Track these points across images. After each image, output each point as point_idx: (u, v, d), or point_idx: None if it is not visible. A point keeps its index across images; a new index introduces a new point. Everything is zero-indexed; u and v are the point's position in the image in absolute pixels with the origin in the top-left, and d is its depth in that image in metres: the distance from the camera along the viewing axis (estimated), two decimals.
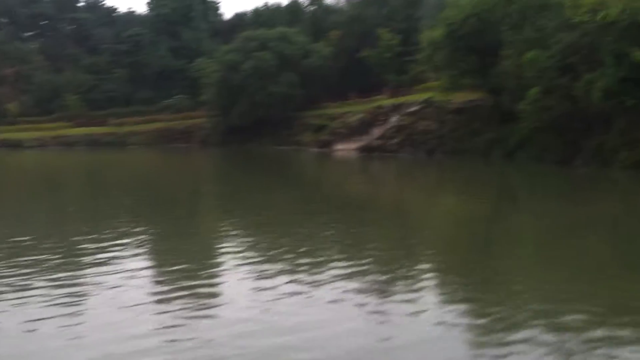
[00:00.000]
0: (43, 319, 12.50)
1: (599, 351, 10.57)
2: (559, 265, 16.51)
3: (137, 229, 23.26)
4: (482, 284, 15.04)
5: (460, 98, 60.66)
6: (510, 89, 50.25)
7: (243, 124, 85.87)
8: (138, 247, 20.06)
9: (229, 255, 18.26)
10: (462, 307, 13.18)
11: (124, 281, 15.16)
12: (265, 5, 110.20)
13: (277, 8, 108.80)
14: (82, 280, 15.59)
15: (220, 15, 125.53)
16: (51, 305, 13.36)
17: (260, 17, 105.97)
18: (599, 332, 11.36)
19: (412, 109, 66.53)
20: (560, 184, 38.39)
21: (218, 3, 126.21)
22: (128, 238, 21.27)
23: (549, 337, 11.15)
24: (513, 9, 52.26)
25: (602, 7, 41.03)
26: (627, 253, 18.33)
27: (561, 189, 35.84)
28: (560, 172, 42.12)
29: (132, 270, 16.30)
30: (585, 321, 11.98)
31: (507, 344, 11.01)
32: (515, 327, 11.85)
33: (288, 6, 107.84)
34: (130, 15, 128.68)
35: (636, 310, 12.75)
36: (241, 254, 18.22)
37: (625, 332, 11.38)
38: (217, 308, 13.29)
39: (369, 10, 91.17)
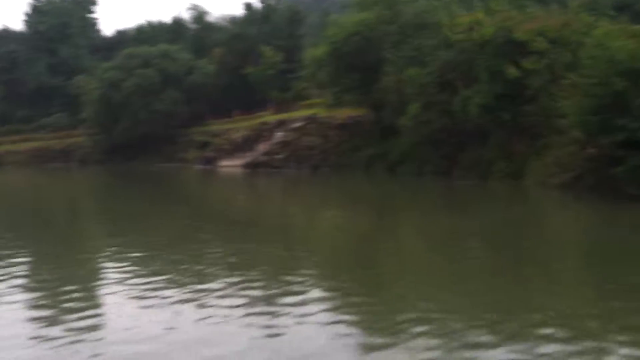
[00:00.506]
0: None
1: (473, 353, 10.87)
2: (442, 273, 16.88)
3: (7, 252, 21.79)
4: (367, 295, 15.05)
5: (343, 114, 61.45)
6: (392, 104, 51.25)
7: (126, 142, 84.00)
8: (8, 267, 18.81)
9: (111, 276, 17.32)
10: (349, 317, 13.22)
11: None
12: (148, 22, 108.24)
13: (159, 25, 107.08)
14: None
15: (100, 31, 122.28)
16: None
17: (143, 34, 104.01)
18: (481, 338, 11.64)
19: (296, 124, 66.81)
20: (440, 196, 39.30)
21: (97, 19, 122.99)
22: None
23: (433, 342, 11.38)
24: (393, 28, 53.42)
25: (478, 26, 42.50)
26: (508, 262, 18.78)
27: (441, 201, 36.65)
28: (440, 184, 43.10)
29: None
30: (465, 326, 12.29)
31: (393, 350, 11.10)
32: (399, 332, 12.02)
33: (171, 23, 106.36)
34: (6, 32, 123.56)
35: (517, 316, 13.02)
36: (122, 275, 17.20)
37: (497, 338, 11.66)
38: (97, 330, 12.64)
39: (251, 28, 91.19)
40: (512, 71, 39.44)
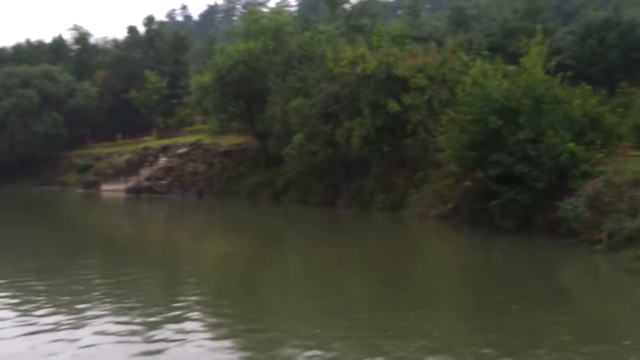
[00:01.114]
0: None
1: None
2: (327, 302, 16.92)
3: None
4: (250, 323, 14.86)
5: (228, 141, 61.08)
6: (277, 133, 51.32)
7: (3, 163, 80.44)
8: None
9: None
10: (230, 344, 13.20)
11: None
12: (27, 41, 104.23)
13: (39, 44, 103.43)
14: None
15: None
16: None
17: (22, 53, 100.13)
18: None
19: (181, 150, 65.93)
20: (323, 225, 39.43)
21: None
22: None
23: None
24: (278, 59, 53.66)
25: (361, 61, 43.23)
26: (390, 289, 18.99)
27: (324, 231, 36.77)
28: (323, 214, 43.33)
29: None
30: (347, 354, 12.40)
31: None
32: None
33: (51, 43, 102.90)
34: None
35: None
36: None
37: None
38: None
39: (136, 52, 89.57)
40: (393, 105, 40.28)
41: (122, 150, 74.32)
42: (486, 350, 12.74)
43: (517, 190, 29.30)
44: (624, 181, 26.03)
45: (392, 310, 16.09)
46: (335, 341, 13.24)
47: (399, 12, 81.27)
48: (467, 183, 32.78)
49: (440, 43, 48.05)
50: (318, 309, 16.36)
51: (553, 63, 33.11)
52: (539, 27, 37.18)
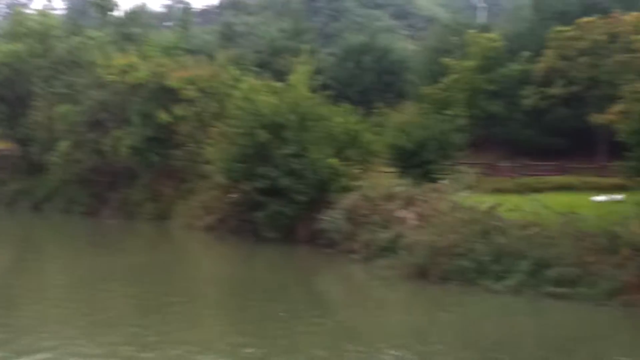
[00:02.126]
0: None
1: None
2: (90, 313, 16.23)
3: None
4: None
5: None
6: (40, 140, 48.31)
7: None
8: None
9: None
10: None
11: None
12: None
13: None
14: None
15: None
16: None
17: None
18: None
19: None
20: (88, 235, 37.80)
21: None
22: None
23: None
24: (45, 63, 50.66)
25: (132, 70, 42.01)
26: (155, 299, 18.58)
27: (89, 241, 35.28)
28: (88, 224, 41.44)
29: None
30: None
31: None
32: None
33: None
34: None
35: None
36: None
37: None
38: None
39: None
40: (163, 116, 39.48)
41: None
42: (249, 350, 13.02)
43: (281, 203, 29.92)
44: (378, 195, 27.43)
45: (154, 320, 15.72)
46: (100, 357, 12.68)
47: (169, 23, 79.96)
48: (234, 195, 32.85)
49: (210, 57, 47.91)
50: (83, 321, 15.55)
51: (317, 82, 34.23)
52: (304, 47, 38.32)
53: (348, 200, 27.41)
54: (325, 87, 36.91)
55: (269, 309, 17.38)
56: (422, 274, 21.39)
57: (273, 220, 30.15)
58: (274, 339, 14.22)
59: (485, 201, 24.14)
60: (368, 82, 57.21)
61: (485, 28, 54.57)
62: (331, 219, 27.40)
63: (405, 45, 68.69)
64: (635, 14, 42.26)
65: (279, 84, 35.32)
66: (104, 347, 13.46)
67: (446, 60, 46.93)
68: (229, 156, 32.03)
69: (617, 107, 36.68)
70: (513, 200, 23.84)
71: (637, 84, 36.21)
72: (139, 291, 20.10)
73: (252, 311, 17.23)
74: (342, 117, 32.91)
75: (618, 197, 27.05)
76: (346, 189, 29.18)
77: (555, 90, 42.65)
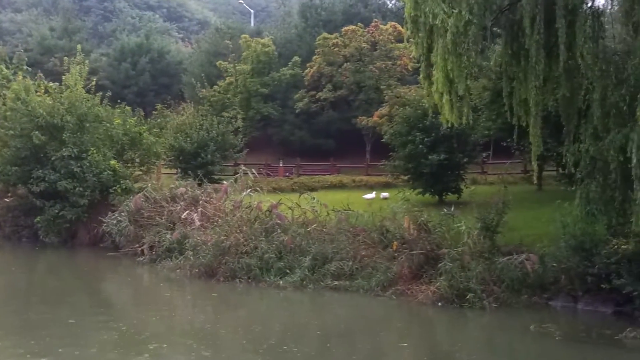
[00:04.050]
0: None
1: None
2: None
3: None
4: None
5: None
6: None
7: None
8: None
9: None
10: None
11: None
12: None
13: None
14: None
15: None
16: None
17: None
18: None
19: None
20: None
21: None
22: None
23: None
24: None
25: None
26: None
27: None
28: None
29: None
30: None
31: None
32: None
33: None
34: None
35: None
36: None
37: None
38: None
39: None
40: None
41: None
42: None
43: (61, 206, 28.59)
44: (162, 197, 27.02)
45: None
46: None
47: None
48: (10, 199, 30.81)
49: None
50: None
51: (93, 83, 32.94)
52: (79, 46, 36.76)
53: (132, 202, 26.68)
54: (101, 88, 35.66)
55: (54, 316, 16.56)
56: (209, 273, 21.41)
57: (53, 224, 28.68)
58: (62, 347, 13.58)
59: (266, 200, 24.62)
60: (144, 83, 56.22)
61: (257, 33, 55.69)
62: (115, 221, 26.58)
63: (179, 48, 68.27)
64: (392, 23, 45.28)
65: (53, 84, 33.54)
66: None
67: (221, 63, 47.24)
68: (4, 159, 29.94)
69: (381, 111, 39.35)
70: (291, 199, 24.45)
71: (398, 89, 39.08)
72: None
73: (35, 319, 16.29)
74: (121, 119, 32.01)
75: (385, 194, 28.85)
76: (129, 191, 28.46)
77: (324, 94, 44.53)
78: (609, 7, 17.13)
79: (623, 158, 14.40)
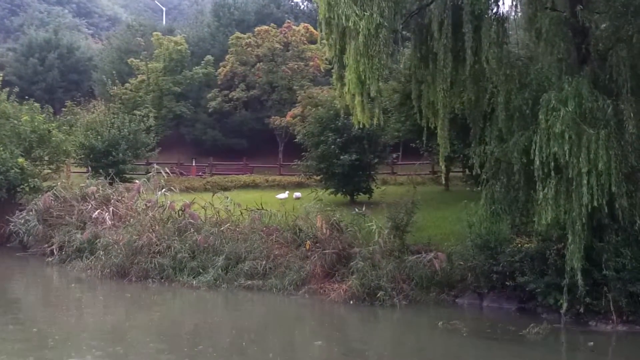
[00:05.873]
0: None
1: None
2: None
3: None
4: None
5: None
6: None
7: None
8: None
9: None
10: None
11: None
12: None
13: None
14: None
15: None
16: None
17: None
18: None
19: None
20: None
21: None
22: None
23: None
24: None
25: None
26: None
27: None
28: None
29: None
30: None
31: None
32: None
33: None
34: None
35: None
36: None
37: None
38: None
39: None
40: None
41: None
42: None
43: None
44: (72, 196, 26.16)
45: None
46: None
47: None
48: None
49: None
50: None
51: None
52: None
53: (40, 201, 25.70)
54: (6, 84, 34.25)
55: None
56: (121, 273, 20.83)
57: None
58: None
59: (179, 200, 24.21)
60: (53, 79, 54.38)
61: (169, 31, 54.75)
62: (23, 220, 25.55)
63: (89, 44, 66.41)
64: (305, 24, 45.35)
65: None
66: None
67: (133, 60, 46.20)
68: None
69: (294, 111, 39.31)
70: (204, 198, 24.11)
71: (311, 89, 39.13)
72: None
73: None
74: (29, 116, 30.82)
75: (298, 194, 28.83)
76: (37, 190, 27.41)
77: (237, 93, 44.18)
78: (513, 14, 17.52)
79: (526, 160, 14.82)
